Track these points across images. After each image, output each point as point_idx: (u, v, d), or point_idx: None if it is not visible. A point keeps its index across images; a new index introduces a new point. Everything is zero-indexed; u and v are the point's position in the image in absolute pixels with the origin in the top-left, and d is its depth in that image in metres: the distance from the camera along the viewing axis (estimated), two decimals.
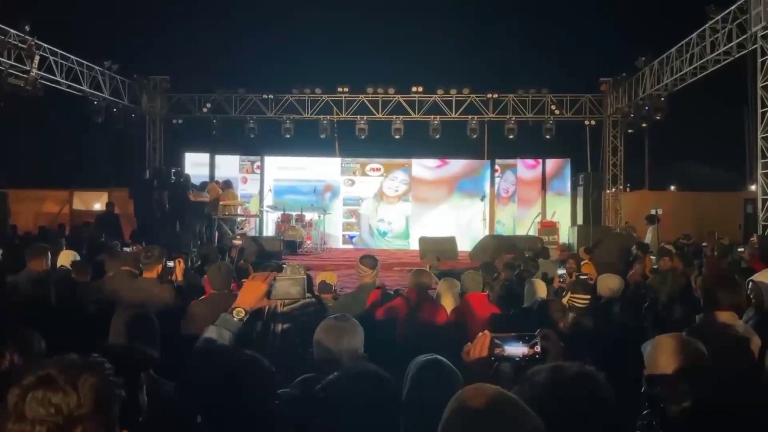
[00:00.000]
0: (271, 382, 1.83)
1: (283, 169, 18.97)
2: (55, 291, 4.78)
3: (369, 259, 5.27)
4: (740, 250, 8.17)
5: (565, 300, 4.56)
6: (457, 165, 18.96)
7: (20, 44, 11.91)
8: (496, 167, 18.82)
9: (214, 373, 1.82)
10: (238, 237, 12.91)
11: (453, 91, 17.97)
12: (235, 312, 2.43)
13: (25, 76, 12.07)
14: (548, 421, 1.37)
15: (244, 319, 2.43)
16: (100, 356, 1.40)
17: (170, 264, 4.80)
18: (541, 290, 5.20)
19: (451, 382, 1.96)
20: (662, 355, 2.07)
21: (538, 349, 1.93)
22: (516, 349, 1.95)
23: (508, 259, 7.46)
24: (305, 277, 2.65)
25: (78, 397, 1.27)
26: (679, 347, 2.07)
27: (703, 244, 10.99)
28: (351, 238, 18.57)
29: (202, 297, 4.76)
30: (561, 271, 5.84)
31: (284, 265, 6.01)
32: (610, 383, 1.53)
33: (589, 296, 4.58)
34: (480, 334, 1.99)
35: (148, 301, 4.16)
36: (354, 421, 1.62)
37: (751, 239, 8.80)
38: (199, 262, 8.19)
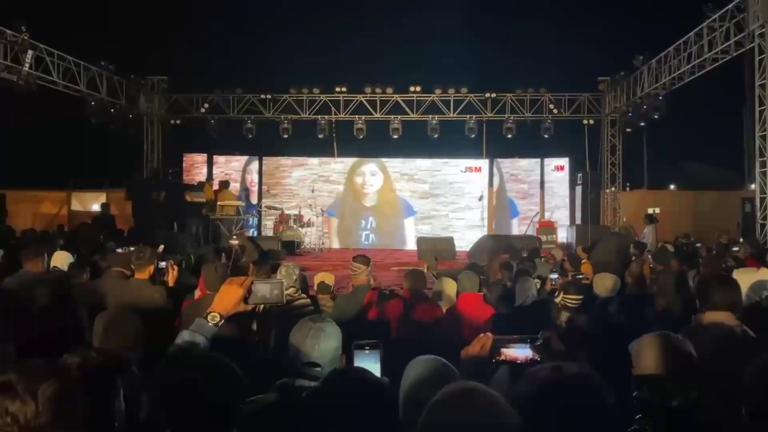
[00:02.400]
0: (239, 389, 1.79)
1: (281, 169, 19.02)
2: (49, 293, 4.75)
3: (362, 258, 5.31)
4: (735, 249, 8.16)
5: (557, 300, 4.55)
6: (455, 164, 18.97)
7: (12, 41, 11.87)
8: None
9: (181, 377, 1.79)
10: (236, 237, 12.90)
11: (451, 91, 17.94)
12: (210, 317, 2.35)
13: (16, 72, 12.03)
14: (546, 420, 1.37)
15: (219, 325, 2.36)
16: (75, 359, 1.36)
17: (162, 264, 4.77)
18: (534, 287, 5.19)
19: (449, 381, 1.95)
20: (648, 355, 2.05)
21: (538, 353, 1.91)
22: (518, 353, 1.93)
23: (505, 260, 7.44)
24: (283, 281, 2.59)
25: (36, 406, 1.22)
26: (665, 347, 2.05)
27: (697, 244, 10.95)
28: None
29: (197, 297, 4.74)
30: (553, 276, 5.82)
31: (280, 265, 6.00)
32: (608, 384, 1.52)
33: (581, 297, 4.57)
34: (481, 335, 1.98)
35: (140, 302, 4.14)
36: (345, 428, 1.59)
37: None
38: (195, 263, 8.15)
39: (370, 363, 2.14)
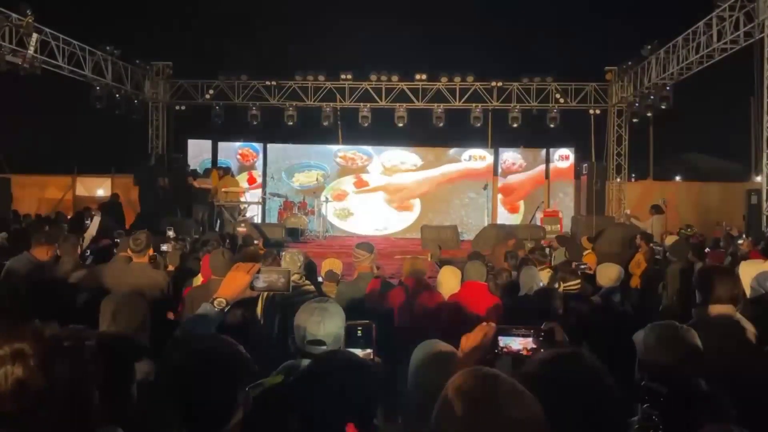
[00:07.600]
0: (247, 371, 1.80)
1: (286, 156, 19.02)
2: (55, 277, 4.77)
3: (365, 245, 5.32)
4: (740, 242, 8.12)
5: (559, 291, 4.55)
6: (460, 153, 18.92)
7: (18, 24, 11.85)
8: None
9: (188, 358, 1.79)
10: (242, 224, 12.94)
11: (457, 79, 17.83)
12: (216, 302, 2.37)
13: (21, 56, 12.01)
14: (544, 394, 1.36)
15: (225, 310, 2.38)
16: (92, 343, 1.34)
17: (164, 247, 4.78)
18: (538, 277, 5.18)
19: (452, 365, 1.95)
20: (653, 344, 2.05)
21: (540, 344, 1.90)
22: (520, 343, 1.92)
23: (511, 247, 7.43)
24: (290, 270, 2.60)
25: (45, 377, 1.22)
26: (670, 337, 2.05)
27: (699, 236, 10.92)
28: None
29: (200, 283, 4.75)
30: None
31: (283, 252, 6.01)
32: (606, 367, 1.52)
33: (578, 281, 4.58)
34: (483, 323, 1.95)
35: (142, 285, 4.15)
36: (328, 410, 1.61)
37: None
38: (197, 249, 8.18)
39: (362, 344, 2.15)
